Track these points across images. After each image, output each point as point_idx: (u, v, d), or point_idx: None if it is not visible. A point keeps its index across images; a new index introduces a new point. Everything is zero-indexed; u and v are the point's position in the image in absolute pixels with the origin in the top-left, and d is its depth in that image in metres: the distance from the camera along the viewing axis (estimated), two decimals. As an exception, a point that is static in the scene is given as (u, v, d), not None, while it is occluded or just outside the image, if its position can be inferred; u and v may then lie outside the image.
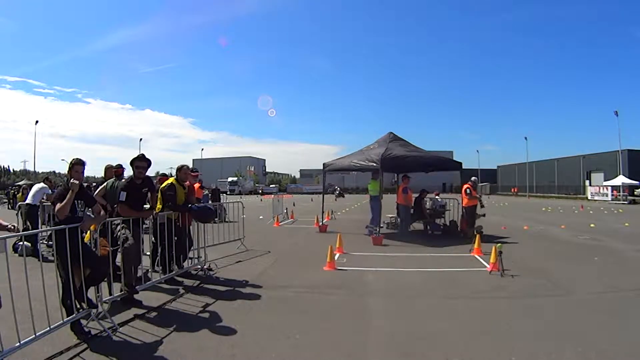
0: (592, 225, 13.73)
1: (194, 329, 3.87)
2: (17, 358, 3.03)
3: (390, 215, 12.44)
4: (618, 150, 42.04)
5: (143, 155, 5.05)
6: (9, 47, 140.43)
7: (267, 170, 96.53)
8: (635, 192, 33.93)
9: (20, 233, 4.41)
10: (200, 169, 10.18)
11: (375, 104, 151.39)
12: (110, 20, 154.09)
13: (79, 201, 3.89)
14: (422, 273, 6.32)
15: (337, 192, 37.99)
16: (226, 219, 11.05)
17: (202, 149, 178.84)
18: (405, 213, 10.78)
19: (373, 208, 10.85)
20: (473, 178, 10.42)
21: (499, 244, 6.48)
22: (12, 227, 3.41)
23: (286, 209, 16.64)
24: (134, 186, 4.89)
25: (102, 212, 4.15)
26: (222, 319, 4.15)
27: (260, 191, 58.54)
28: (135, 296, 4.59)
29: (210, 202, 13.80)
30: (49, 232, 5.58)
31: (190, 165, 6.74)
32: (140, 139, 62.41)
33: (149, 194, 5.08)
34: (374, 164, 10.09)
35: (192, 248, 6.22)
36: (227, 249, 8.06)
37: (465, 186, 10.11)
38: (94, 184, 7.57)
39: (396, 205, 11.65)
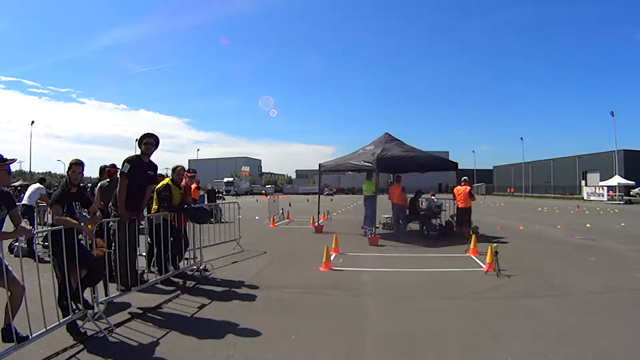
0: (588, 225, 13.82)
1: (190, 329, 3.87)
2: (13, 359, 3.03)
3: (387, 216, 12.45)
4: (614, 151, 42.28)
5: (152, 133, 4.94)
6: (3, 47, 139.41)
7: (262, 170, 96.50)
8: (631, 192, 34.18)
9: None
10: (196, 170, 10.14)
11: (371, 104, 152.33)
12: (104, 20, 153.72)
13: (76, 202, 3.88)
14: (418, 273, 6.34)
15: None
16: (222, 220, 11.04)
17: (198, 150, 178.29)
18: (400, 213, 10.80)
19: (367, 208, 10.88)
20: (465, 178, 10.39)
21: (495, 244, 6.51)
22: (26, 228, 3.17)
23: (282, 209, 16.65)
24: (140, 163, 4.78)
25: (98, 213, 4.14)
26: (218, 319, 4.16)
27: (264, 191, 57.97)
28: (131, 297, 4.58)
29: (206, 202, 13.80)
30: (44, 233, 5.55)
31: (186, 166, 6.72)
32: (136, 140, 61.52)
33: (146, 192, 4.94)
34: (370, 164, 10.12)
35: (188, 249, 6.22)
36: (223, 250, 8.06)
37: (468, 188, 10.06)
38: (89, 184, 7.56)
39: (392, 205, 11.66)
